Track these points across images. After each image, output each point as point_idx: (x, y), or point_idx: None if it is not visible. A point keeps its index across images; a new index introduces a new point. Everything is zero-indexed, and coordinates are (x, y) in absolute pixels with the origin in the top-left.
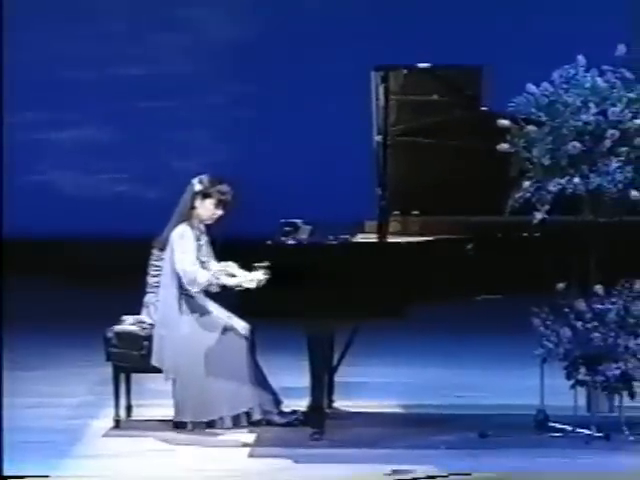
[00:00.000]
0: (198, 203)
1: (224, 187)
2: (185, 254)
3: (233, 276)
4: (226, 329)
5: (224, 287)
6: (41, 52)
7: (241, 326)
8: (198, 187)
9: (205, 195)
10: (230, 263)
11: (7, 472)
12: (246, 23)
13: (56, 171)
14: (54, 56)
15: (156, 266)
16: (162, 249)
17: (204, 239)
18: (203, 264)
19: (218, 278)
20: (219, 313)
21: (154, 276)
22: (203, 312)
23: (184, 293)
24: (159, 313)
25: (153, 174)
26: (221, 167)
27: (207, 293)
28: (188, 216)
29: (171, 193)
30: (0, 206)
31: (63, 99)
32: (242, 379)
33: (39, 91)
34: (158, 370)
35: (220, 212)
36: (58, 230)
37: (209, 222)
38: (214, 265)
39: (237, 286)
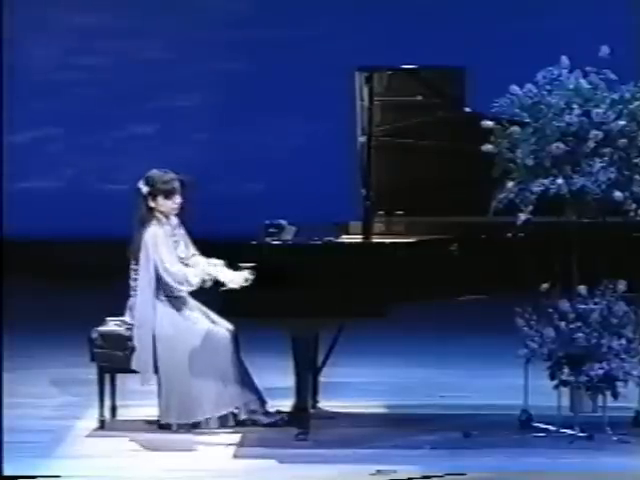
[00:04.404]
0: (152, 203)
1: (165, 177)
2: (164, 255)
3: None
4: (210, 330)
5: (216, 282)
6: (41, 54)
7: (225, 327)
8: (145, 189)
9: (154, 194)
10: (216, 261)
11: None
12: (227, 20)
13: (39, 172)
14: (54, 58)
15: (135, 270)
16: (135, 255)
17: (179, 233)
18: (182, 260)
19: (210, 273)
20: (203, 314)
21: (135, 280)
22: (186, 313)
23: (162, 296)
24: (136, 319)
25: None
26: (205, 168)
27: (190, 294)
28: (150, 218)
29: None
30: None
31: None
32: (227, 379)
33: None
34: None
35: (178, 200)
36: (40, 230)
37: (175, 213)
38: (199, 259)
39: (229, 281)
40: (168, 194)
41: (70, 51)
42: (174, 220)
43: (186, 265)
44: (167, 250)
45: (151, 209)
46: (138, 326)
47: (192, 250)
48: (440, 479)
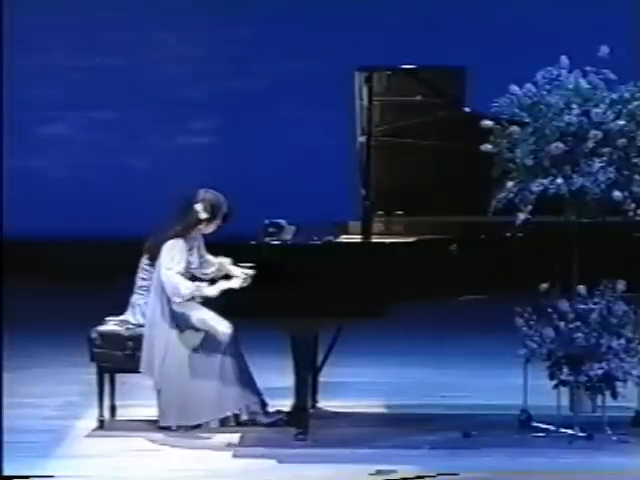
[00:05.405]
0: (203, 226)
1: (225, 206)
2: (171, 263)
3: (227, 277)
4: (210, 332)
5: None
6: (42, 51)
7: (226, 327)
8: (204, 215)
9: (211, 220)
10: (224, 259)
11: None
12: (227, 22)
13: (40, 173)
14: (55, 56)
15: (145, 269)
16: (151, 258)
17: (197, 243)
18: (193, 269)
19: (200, 289)
20: (203, 315)
21: (143, 279)
22: (187, 316)
23: (170, 299)
24: (147, 319)
25: (141, 175)
26: (205, 167)
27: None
28: (188, 234)
29: (158, 194)
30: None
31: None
32: (228, 381)
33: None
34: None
35: (222, 224)
36: (40, 230)
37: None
38: (210, 258)
39: (220, 293)
40: (222, 221)
41: (74, 45)
42: (199, 235)
43: (194, 276)
44: (176, 260)
45: (196, 229)
46: (150, 326)
47: (203, 252)
48: (433, 479)
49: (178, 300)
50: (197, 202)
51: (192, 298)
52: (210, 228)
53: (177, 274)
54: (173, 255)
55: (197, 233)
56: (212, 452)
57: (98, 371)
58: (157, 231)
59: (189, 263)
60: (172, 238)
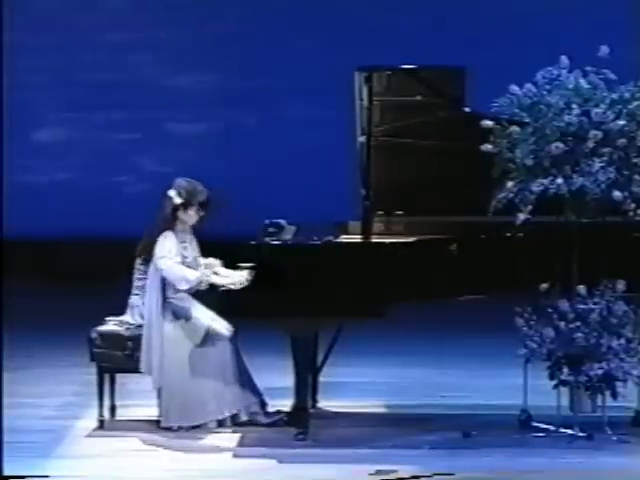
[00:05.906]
0: (180, 213)
1: (202, 194)
2: (168, 255)
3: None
4: (209, 332)
5: (212, 286)
6: (42, 51)
7: (225, 328)
8: (178, 200)
9: (186, 206)
10: (213, 260)
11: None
12: (227, 19)
13: (40, 173)
14: (56, 56)
15: (140, 270)
16: (146, 258)
17: (189, 238)
18: (188, 263)
19: (208, 276)
20: (202, 315)
21: (139, 279)
22: (186, 316)
23: (167, 297)
24: (145, 318)
25: (140, 175)
26: (205, 167)
27: (192, 294)
28: (171, 225)
29: (158, 194)
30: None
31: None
32: (227, 382)
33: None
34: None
35: (202, 213)
36: (40, 230)
37: (193, 224)
38: (201, 261)
39: (225, 285)
40: (200, 208)
41: (74, 46)
42: (188, 228)
43: (191, 268)
44: (172, 251)
45: (175, 218)
46: (147, 326)
47: (196, 252)
48: (429, 479)
49: (186, 287)
50: (171, 189)
51: (197, 289)
52: (191, 217)
53: (176, 262)
54: (170, 247)
55: (183, 226)
56: (212, 452)
57: (98, 371)
58: (146, 231)
59: (184, 258)
60: (160, 233)
